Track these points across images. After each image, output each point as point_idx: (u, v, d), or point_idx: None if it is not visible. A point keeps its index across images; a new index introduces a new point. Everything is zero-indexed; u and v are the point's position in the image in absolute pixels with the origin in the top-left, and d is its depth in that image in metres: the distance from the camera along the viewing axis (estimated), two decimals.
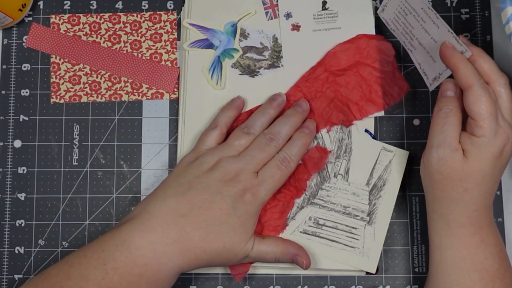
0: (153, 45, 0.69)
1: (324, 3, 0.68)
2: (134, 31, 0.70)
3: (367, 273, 0.65)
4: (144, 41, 0.69)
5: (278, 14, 0.67)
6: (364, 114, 0.65)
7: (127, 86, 0.69)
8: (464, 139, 0.56)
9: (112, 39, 0.69)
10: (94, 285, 0.54)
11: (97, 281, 0.54)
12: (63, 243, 0.66)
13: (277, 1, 0.68)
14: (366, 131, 0.66)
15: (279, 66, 0.67)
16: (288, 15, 0.67)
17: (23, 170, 0.68)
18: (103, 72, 0.69)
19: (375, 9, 0.68)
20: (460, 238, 0.57)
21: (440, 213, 0.57)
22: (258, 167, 0.60)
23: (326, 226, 0.65)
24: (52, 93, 0.69)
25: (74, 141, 0.68)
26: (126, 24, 0.70)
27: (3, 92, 0.69)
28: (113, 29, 0.70)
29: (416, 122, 0.68)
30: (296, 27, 0.67)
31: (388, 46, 0.65)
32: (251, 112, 0.65)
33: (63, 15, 0.70)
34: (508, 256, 0.59)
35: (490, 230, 0.57)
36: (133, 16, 0.70)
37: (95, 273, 0.55)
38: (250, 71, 0.67)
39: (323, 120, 0.65)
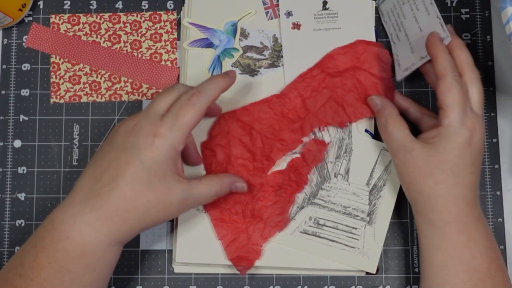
0: (153, 45, 0.69)
1: (325, 3, 0.68)
2: (134, 31, 0.70)
3: (367, 273, 0.65)
4: (144, 41, 0.69)
5: (279, 14, 0.68)
6: (359, 116, 0.65)
7: (127, 86, 0.69)
8: (430, 133, 0.57)
9: (112, 39, 0.69)
10: (28, 268, 0.54)
11: (30, 264, 0.54)
12: None
13: (277, 1, 0.68)
14: (366, 131, 0.66)
15: (279, 66, 0.67)
16: (289, 14, 0.67)
17: (23, 170, 0.68)
18: (103, 72, 0.69)
19: (375, 10, 0.68)
20: (446, 237, 0.56)
21: (423, 214, 0.58)
22: (162, 111, 0.56)
23: (326, 226, 0.65)
24: (52, 93, 0.69)
25: (74, 141, 0.68)
26: (126, 24, 0.70)
27: (3, 92, 0.69)
28: (113, 29, 0.70)
29: None
30: (296, 26, 0.67)
31: (386, 54, 0.66)
32: (245, 109, 0.65)
33: (63, 15, 0.70)
34: (501, 256, 0.58)
35: (478, 227, 0.57)
36: (133, 16, 0.70)
37: (28, 257, 0.54)
38: (250, 70, 0.67)
39: (318, 119, 0.65)
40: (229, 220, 0.64)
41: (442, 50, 0.58)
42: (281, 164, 0.65)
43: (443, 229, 0.57)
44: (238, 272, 0.65)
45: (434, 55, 0.58)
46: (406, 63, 0.64)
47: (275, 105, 0.66)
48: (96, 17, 0.70)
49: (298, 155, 0.65)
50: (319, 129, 0.65)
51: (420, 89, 0.68)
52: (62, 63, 0.69)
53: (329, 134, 0.65)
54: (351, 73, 0.65)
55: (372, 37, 0.67)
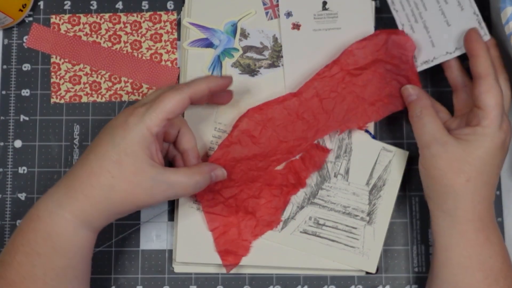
0: (153, 45, 0.69)
1: (324, 3, 0.68)
2: (134, 31, 0.70)
3: (367, 273, 0.65)
4: (144, 41, 0.69)
5: (279, 14, 0.68)
6: (382, 115, 0.64)
7: (127, 86, 0.69)
8: (464, 131, 0.57)
9: (112, 39, 0.70)
10: (7, 254, 0.54)
11: (9, 249, 0.54)
12: None
13: (277, 1, 0.68)
14: (366, 131, 0.66)
15: (279, 66, 0.67)
16: (289, 14, 0.67)
17: (23, 170, 0.68)
18: (103, 72, 0.69)
19: (375, 10, 0.68)
20: (466, 235, 0.56)
21: (445, 210, 0.57)
22: (148, 100, 0.57)
23: (326, 226, 0.65)
24: (53, 93, 0.69)
25: (74, 141, 0.68)
26: (126, 24, 0.70)
27: (3, 92, 0.69)
28: (113, 29, 0.70)
29: None
30: (296, 26, 0.67)
31: (409, 41, 0.64)
32: (259, 108, 0.65)
33: (63, 15, 0.70)
34: (509, 256, 0.58)
35: (494, 227, 0.58)
36: (133, 16, 0.70)
37: (8, 243, 0.55)
38: (250, 70, 0.67)
39: (337, 122, 0.64)
40: (221, 212, 0.64)
41: (483, 48, 0.57)
42: (281, 164, 0.65)
43: (464, 226, 0.56)
44: (238, 272, 0.65)
45: (475, 53, 0.57)
46: (425, 56, 0.63)
47: (291, 105, 0.64)
48: (97, 18, 0.70)
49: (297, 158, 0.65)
50: (338, 132, 0.65)
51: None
52: (63, 63, 0.69)
53: (329, 134, 0.65)
54: (373, 69, 0.64)
55: None
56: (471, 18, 0.60)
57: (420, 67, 0.63)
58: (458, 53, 0.61)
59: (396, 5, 0.65)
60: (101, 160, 0.54)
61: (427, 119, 0.58)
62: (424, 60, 0.63)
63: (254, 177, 0.64)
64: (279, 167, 0.65)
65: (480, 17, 0.59)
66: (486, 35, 0.59)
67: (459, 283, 0.57)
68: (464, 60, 0.61)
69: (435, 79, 0.68)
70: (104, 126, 0.57)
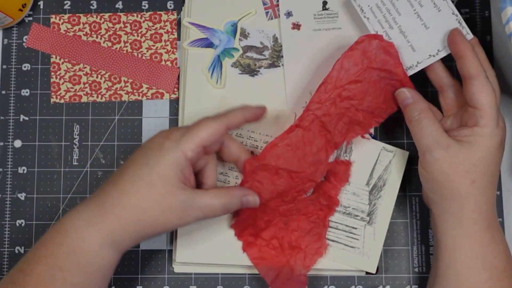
0: (153, 45, 0.69)
1: (325, 3, 0.68)
2: (134, 31, 0.70)
3: (367, 273, 0.65)
4: (144, 41, 0.69)
5: (279, 14, 0.68)
6: (381, 119, 0.63)
7: (127, 86, 0.69)
8: (463, 132, 0.56)
9: (112, 39, 0.70)
10: (27, 263, 0.54)
11: (29, 258, 0.54)
12: None
13: (277, 1, 0.68)
14: None
15: (279, 66, 0.67)
16: (289, 14, 0.67)
17: (23, 170, 0.68)
18: (103, 72, 0.69)
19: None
20: (473, 236, 0.56)
21: (452, 212, 0.57)
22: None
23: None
24: (52, 93, 0.69)
25: (74, 141, 0.68)
26: (126, 24, 0.70)
27: (3, 92, 0.69)
28: (113, 29, 0.70)
29: None
30: (296, 26, 0.67)
31: (391, 45, 0.62)
32: (272, 147, 0.63)
33: (63, 15, 0.70)
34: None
35: (498, 227, 0.58)
36: (133, 16, 0.70)
37: (29, 252, 0.55)
38: (250, 70, 0.67)
39: (342, 136, 0.63)
40: (268, 256, 0.63)
41: (469, 48, 0.57)
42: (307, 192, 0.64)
43: (471, 227, 0.56)
44: (238, 272, 0.65)
45: (462, 54, 0.57)
46: (407, 61, 0.62)
47: (293, 138, 0.63)
48: (96, 17, 0.70)
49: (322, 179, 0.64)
50: (345, 144, 0.64)
51: (420, 89, 0.68)
52: (62, 63, 0.69)
53: None
54: (367, 80, 0.62)
55: None
56: (450, 18, 0.59)
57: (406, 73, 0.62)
58: (442, 54, 0.60)
59: (366, 12, 0.63)
60: (134, 181, 0.54)
61: (425, 122, 0.57)
62: (408, 66, 0.62)
63: (286, 211, 0.63)
64: (308, 194, 0.64)
65: (459, 16, 0.58)
66: (468, 34, 0.59)
67: (464, 283, 0.56)
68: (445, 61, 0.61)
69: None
70: (139, 147, 0.57)
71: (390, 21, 0.62)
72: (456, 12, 0.59)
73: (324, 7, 0.67)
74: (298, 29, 0.67)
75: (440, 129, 0.57)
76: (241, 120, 0.58)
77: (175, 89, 0.69)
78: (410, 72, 0.62)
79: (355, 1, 0.63)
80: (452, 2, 0.67)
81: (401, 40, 0.62)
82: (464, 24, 0.59)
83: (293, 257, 0.63)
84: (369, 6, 0.62)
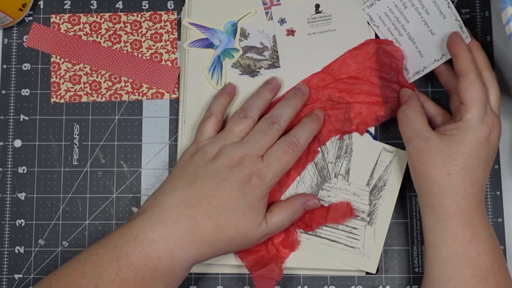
0: (153, 45, 0.69)
1: (317, 6, 0.68)
2: (134, 31, 0.70)
3: (367, 273, 0.65)
4: (144, 41, 0.69)
5: (273, 22, 0.67)
6: (379, 120, 0.65)
7: (127, 86, 0.69)
8: (448, 127, 0.58)
9: (112, 39, 0.69)
10: (108, 282, 0.54)
11: (111, 277, 0.54)
12: (63, 242, 0.66)
13: (277, 1, 0.68)
14: (367, 131, 0.66)
15: (279, 66, 0.67)
16: (282, 21, 0.67)
17: (23, 169, 0.68)
18: (103, 72, 0.69)
19: None
20: (452, 231, 0.57)
21: (431, 205, 0.58)
22: (262, 151, 0.60)
23: (327, 226, 0.65)
24: (52, 93, 0.69)
25: (74, 141, 0.68)
26: (127, 24, 0.70)
27: (3, 91, 0.69)
28: (114, 29, 0.70)
29: None
30: (291, 32, 0.67)
31: (398, 51, 0.65)
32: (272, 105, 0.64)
33: (63, 14, 0.70)
34: (503, 254, 0.58)
35: (482, 224, 0.57)
36: (133, 16, 0.70)
37: (108, 270, 0.54)
38: (250, 71, 0.67)
39: (335, 129, 0.65)
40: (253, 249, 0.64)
41: (464, 48, 0.59)
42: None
43: (449, 222, 0.57)
44: (238, 272, 0.65)
45: (456, 53, 0.59)
46: (415, 67, 0.65)
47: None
48: (97, 17, 0.70)
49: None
50: (338, 137, 0.65)
51: (420, 90, 0.68)
52: (63, 63, 0.69)
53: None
54: (365, 78, 0.65)
55: (366, 36, 0.67)
56: (454, 24, 0.61)
57: (413, 78, 0.65)
58: (445, 59, 0.63)
59: (376, 21, 0.66)
60: (228, 213, 0.57)
61: (411, 115, 0.60)
62: (415, 71, 0.65)
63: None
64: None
65: (461, 22, 0.61)
66: (467, 38, 0.61)
67: (448, 280, 0.57)
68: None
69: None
70: (217, 173, 0.58)
71: (399, 28, 0.65)
72: (459, 18, 0.61)
73: (317, 10, 0.67)
74: (293, 35, 0.67)
75: (425, 123, 0.59)
76: (311, 138, 0.63)
77: (175, 89, 0.69)
78: (417, 77, 0.65)
79: (364, 11, 0.66)
80: (452, 2, 0.67)
81: (410, 47, 0.65)
82: (465, 29, 0.61)
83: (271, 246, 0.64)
84: (377, 14, 0.65)
